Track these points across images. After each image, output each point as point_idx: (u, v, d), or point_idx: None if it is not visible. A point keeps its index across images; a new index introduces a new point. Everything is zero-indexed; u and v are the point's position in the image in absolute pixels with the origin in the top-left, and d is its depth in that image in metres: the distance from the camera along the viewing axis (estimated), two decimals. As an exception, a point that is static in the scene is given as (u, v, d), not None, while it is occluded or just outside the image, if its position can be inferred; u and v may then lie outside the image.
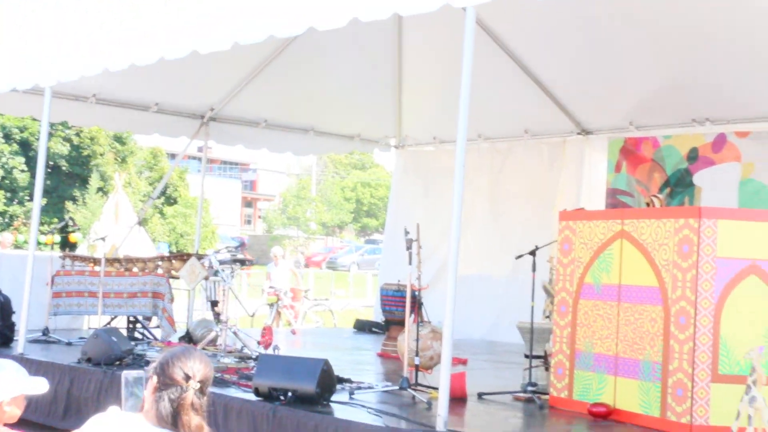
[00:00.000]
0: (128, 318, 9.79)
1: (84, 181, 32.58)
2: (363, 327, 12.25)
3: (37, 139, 30.90)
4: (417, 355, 6.86)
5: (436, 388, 6.55)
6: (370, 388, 6.88)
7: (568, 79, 10.59)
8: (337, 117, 12.21)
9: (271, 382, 6.21)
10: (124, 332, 9.34)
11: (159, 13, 7.15)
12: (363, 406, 6.13)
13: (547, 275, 9.47)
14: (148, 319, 10.03)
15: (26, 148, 32.01)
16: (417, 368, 6.85)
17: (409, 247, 6.83)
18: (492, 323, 11.42)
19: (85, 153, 33.13)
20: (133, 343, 8.56)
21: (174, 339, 9.11)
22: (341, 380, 6.80)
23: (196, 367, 3.16)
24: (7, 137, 31.77)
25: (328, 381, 6.20)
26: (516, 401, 6.70)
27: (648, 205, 7.42)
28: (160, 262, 9.70)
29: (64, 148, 32.45)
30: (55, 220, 29.23)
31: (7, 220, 31.04)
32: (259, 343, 8.55)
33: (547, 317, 8.34)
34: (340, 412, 6.00)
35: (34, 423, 7.38)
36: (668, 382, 5.76)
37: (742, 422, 5.30)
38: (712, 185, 9.98)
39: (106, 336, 7.71)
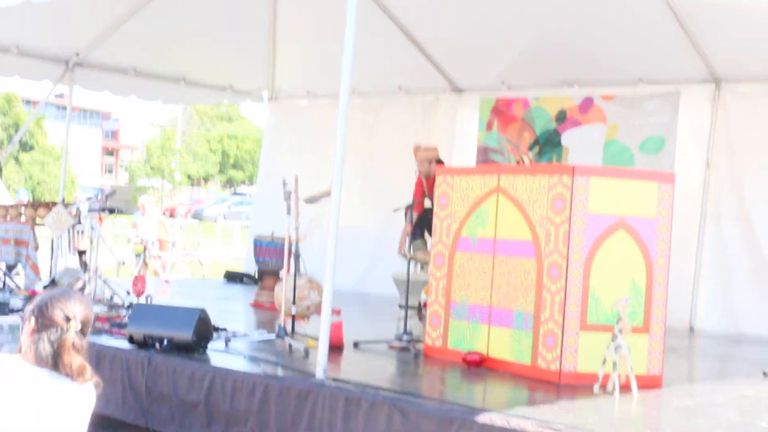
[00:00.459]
0: (-11, 265, 9.42)
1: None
2: (234, 278, 12.19)
3: None
4: (294, 304, 6.89)
5: (312, 337, 6.62)
6: (245, 336, 6.87)
7: (443, 36, 10.68)
8: (209, 67, 11.96)
9: (145, 330, 6.13)
10: (-15, 281, 9.00)
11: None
12: (240, 354, 6.13)
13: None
14: (11, 267, 9.69)
15: None
16: (293, 317, 6.88)
17: (287, 199, 6.81)
18: (362, 275, 11.55)
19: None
20: (-4, 291, 8.27)
21: (38, 287, 8.83)
22: (217, 329, 6.76)
23: (76, 309, 3.12)
24: None
25: (204, 329, 6.17)
26: (391, 350, 6.82)
27: (518, 163, 7.59)
28: (23, 210, 9.36)
29: None
30: None
31: None
32: (131, 292, 8.39)
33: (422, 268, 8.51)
34: (216, 360, 5.99)
35: None
36: (539, 331, 5.97)
37: (608, 368, 5.58)
38: (578, 145, 10.33)
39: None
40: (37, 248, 9.24)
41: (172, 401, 5.80)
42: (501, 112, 10.98)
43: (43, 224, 9.21)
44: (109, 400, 5.93)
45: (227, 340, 6.55)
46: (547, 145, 10.54)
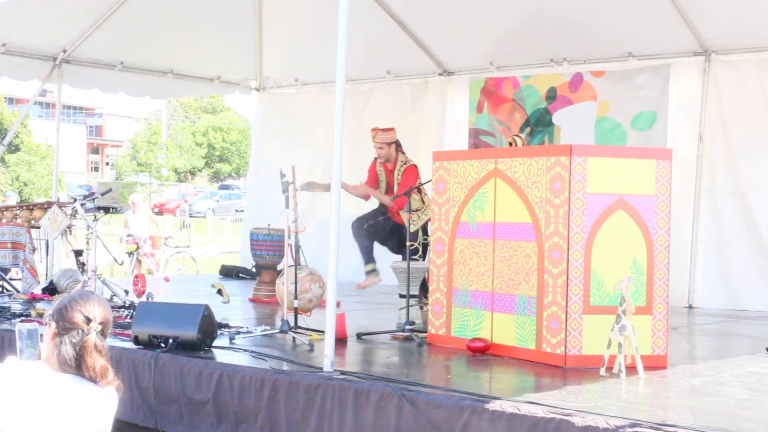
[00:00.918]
0: (-15, 270, 9.37)
1: None
2: (229, 273, 12.14)
3: None
4: (296, 298, 6.87)
5: (316, 331, 6.62)
6: (249, 332, 6.85)
7: (429, 18, 10.67)
8: (197, 59, 11.92)
9: (150, 329, 6.11)
10: (-18, 286, 8.96)
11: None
12: (245, 350, 6.12)
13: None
14: (5, 270, 9.63)
15: None
16: (296, 311, 6.87)
17: (285, 190, 6.78)
18: (358, 265, 11.47)
19: None
20: (-6, 296, 8.23)
21: (37, 290, 8.79)
22: (220, 326, 6.75)
23: (95, 310, 3.14)
24: None
25: (209, 327, 6.15)
26: (394, 340, 6.82)
27: (510, 144, 7.56)
28: (18, 212, 9.30)
29: None
30: None
31: None
32: (131, 291, 8.36)
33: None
34: (223, 357, 5.97)
35: None
36: (543, 315, 5.97)
37: (613, 350, 5.58)
38: (570, 124, 10.32)
39: (-34, 289, 7.38)
40: (34, 251, 9.18)
41: (180, 401, 5.79)
42: (491, 93, 10.95)
43: (38, 226, 9.16)
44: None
45: (231, 337, 6.54)
46: (539, 124, 10.53)
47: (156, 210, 32.64)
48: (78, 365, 3.07)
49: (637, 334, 5.60)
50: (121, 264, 11.36)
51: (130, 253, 14.57)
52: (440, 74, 11.42)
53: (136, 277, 8.61)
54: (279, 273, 7.57)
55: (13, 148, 34.90)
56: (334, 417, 5.18)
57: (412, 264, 7.11)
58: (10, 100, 40.87)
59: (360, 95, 11.99)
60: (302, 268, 7.25)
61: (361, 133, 11.81)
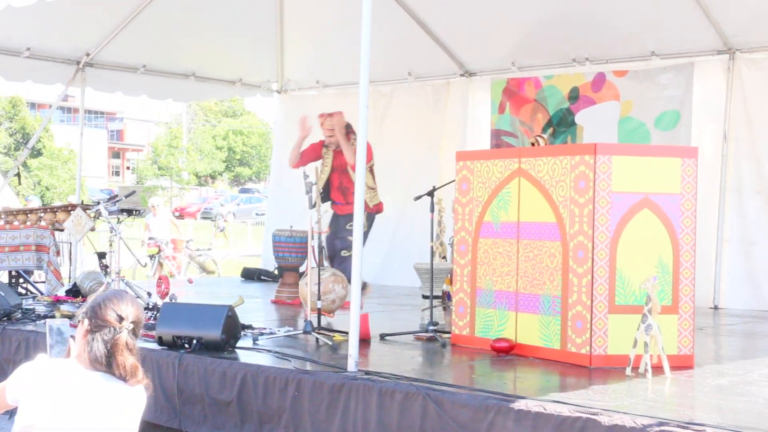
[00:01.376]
0: (10, 273, 9.42)
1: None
2: (251, 275, 12.14)
3: None
4: (319, 299, 6.86)
5: (340, 332, 6.61)
6: (272, 333, 6.85)
7: (451, 19, 10.65)
8: (218, 61, 11.98)
9: (174, 330, 6.12)
10: (6, 288, 8.99)
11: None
12: (269, 351, 6.11)
13: (436, 217, 9.60)
14: (29, 273, 9.69)
15: None
16: (319, 312, 6.86)
17: (308, 191, 6.77)
18: (381, 267, 11.50)
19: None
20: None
21: (61, 292, 8.83)
22: (243, 327, 6.74)
23: (128, 309, 3.20)
24: None
25: (233, 327, 6.15)
26: (418, 341, 6.79)
27: (533, 145, 7.56)
28: (42, 214, 9.35)
29: None
30: None
31: None
32: (155, 293, 8.38)
33: (443, 258, 8.47)
34: (246, 357, 5.97)
35: None
36: (568, 315, 5.93)
37: (639, 349, 5.53)
38: (593, 124, 10.27)
39: (-8, 290, 7.43)
40: (58, 253, 9.23)
41: (204, 401, 5.79)
42: (513, 93, 10.91)
43: (62, 228, 9.21)
44: (141, 403, 5.91)
45: (255, 338, 6.53)
46: (561, 125, 10.48)
47: (177, 214, 32.76)
48: (109, 363, 3.12)
49: (663, 333, 5.56)
50: (144, 266, 11.39)
51: (152, 256, 14.62)
52: (462, 75, 11.40)
53: (159, 278, 8.64)
54: (302, 274, 7.55)
55: (36, 153, 35.15)
56: (358, 417, 5.16)
57: (436, 264, 7.08)
58: (32, 105, 41.13)
59: (381, 97, 11.98)
60: (325, 268, 7.24)
61: (384, 135, 11.84)
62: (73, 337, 3.22)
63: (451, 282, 7.31)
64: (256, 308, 8.97)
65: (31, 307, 8.01)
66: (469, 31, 10.65)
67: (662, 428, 4.19)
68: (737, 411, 4.62)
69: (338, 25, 10.62)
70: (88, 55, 10.93)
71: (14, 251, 9.11)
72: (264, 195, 36.65)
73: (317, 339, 6.54)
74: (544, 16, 9.84)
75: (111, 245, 8.49)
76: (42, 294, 9.09)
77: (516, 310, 6.30)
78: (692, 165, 5.98)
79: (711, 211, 9.38)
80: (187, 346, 6.05)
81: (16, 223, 9.37)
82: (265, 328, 7.05)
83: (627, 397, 4.94)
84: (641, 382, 5.34)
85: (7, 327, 7.14)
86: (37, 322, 7.24)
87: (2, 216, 9.47)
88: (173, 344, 6.12)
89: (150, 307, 7.81)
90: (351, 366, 5.39)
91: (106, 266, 8.79)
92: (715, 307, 9.37)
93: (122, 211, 8.85)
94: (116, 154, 60.60)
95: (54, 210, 9.40)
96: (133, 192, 8.75)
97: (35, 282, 9.82)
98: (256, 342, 6.44)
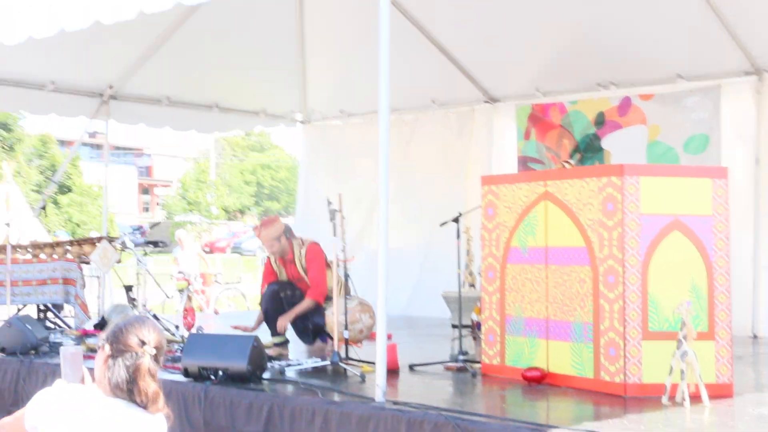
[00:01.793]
0: (38, 307, 9.42)
1: (-30, 172, 31.36)
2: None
3: None
4: (346, 328, 6.77)
5: (367, 362, 6.50)
6: (299, 364, 6.75)
7: (473, 46, 10.58)
8: (242, 92, 11.97)
9: (200, 361, 6.05)
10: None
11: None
12: (296, 382, 6.02)
13: (464, 246, 9.49)
14: (57, 307, 9.67)
15: None
16: (347, 342, 6.76)
17: (332, 218, 6.70)
18: (409, 298, 11.39)
19: (-31, 142, 31.96)
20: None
21: (89, 326, 8.80)
22: (270, 358, 6.66)
23: (150, 335, 3.14)
24: None
25: (258, 358, 6.07)
26: (447, 371, 6.67)
27: (560, 170, 7.46)
28: (69, 247, 9.35)
29: (-55, 139, 31.27)
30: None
31: None
32: (181, 325, 8.32)
33: (471, 286, 8.36)
34: (273, 388, 5.88)
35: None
36: (600, 342, 5.80)
37: (675, 377, 5.38)
38: (620, 149, 10.12)
39: (20, 324, 7.42)
40: (84, 286, 9.22)
41: (230, 434, 5.70)
42: (538, 119, 10.82)
43: (89, 261, 9.19)
44: (166, 436, 5.83)
45: (281, 369, 6.44)
46: (588, 150, 10.36)
47: (206, 249, 32.83)
48: (130, 389, 3.07)
49: (700, 360, 5.40)
50: (170, 298, 11.34)
51: (181, 290, 14.57)
52: (486, 102, 11.32)
53: (185, 310, 8.58)
54: (328, 303, 7.46)
55: (65, 190, 35.41)
56: (387, 448, 5.05)
57: (464, 292, 6.97)
58: (62, 143, 41.51)
59: (405, 125, 11.92)
60: (352, 298, 7.15)
61: (409, 164, 11.78)
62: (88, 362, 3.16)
63: (480, 311, 7.20)
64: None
65: (59, 340, 7.98)
66: (493, 57, 10.58)
67: (701, 457, 4.05)
68: (778, 439, 4.46)
69: (361, 54, 10.57)
70: (111, 87, 10.96)
71: (41, 284, 9.11)
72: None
73: (345, 370, 6.44)
74: (567, 40, 9.76)
75: (138, 278, 8.46)
76: (70, 327, 9.06)
77: (547, 338, 6.17)
78: (723, 186, 5.86)
79: (746, 237, 9.15)
80: (212, 377, 5.97)
81: (43, 256, 9.39)
82: (291, 360, 6.95)
83: (664, 426, 4.81)
84: (679, 412, 5.19)
85: (34, 360, 7.12)
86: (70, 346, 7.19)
87: (29, 249, 9.49)
88: (199, 375, 6.04)
89: (177, 339, 7.76)
90: (378, 396, 5.29)
91: (134, 299, 8.74)
92: (754, 336, 9.11)
93: (148, 243, 8.82)
94: (145, 190, 61.01)
95: (80, 243, 9.39)
96: (158, 223, 8.74)
97: (65, 317, 9.80)
98: (283, 373, 6.35)
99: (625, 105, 10.19)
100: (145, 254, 8.79)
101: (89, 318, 9.10)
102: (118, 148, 54.74)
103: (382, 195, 5.49)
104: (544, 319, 6.19)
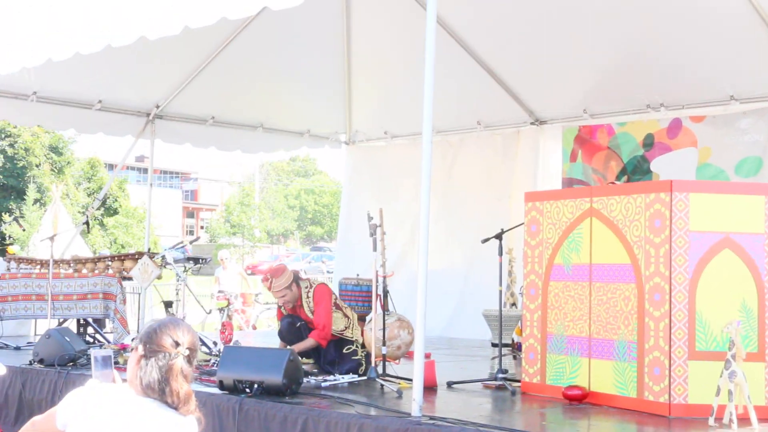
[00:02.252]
0: (78, 321, 9.43)
1: (20, 194, 31.76)
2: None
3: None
4: (384, 344, 6.65)
5: (405, 379, 6.38)
6: (335, 380, 6.65)
7: (520, 67, 10.47)
8: (286, 113, 11.96)
9: (235, 374, 5.98)
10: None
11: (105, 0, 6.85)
12: (332, 396, 5.92)
13: (506, 267, 9.34)
14: (99, 322, 9.67)
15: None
16: (384, 358, 6.65)
17: (373, 233, 6.61)
18: (450, 319, 11.25)
19: (20, 164, 32.32)
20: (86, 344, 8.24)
21: (127, 341, 8.77)
22: (307, 373, 6.57)
23: (184, 336, 3.12)
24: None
25: (294, 372, 5.98)
26: (486, 389, 6.53)
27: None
28: (110, 262, 9.35)
29: (-3, 160, 31.71)
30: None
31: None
32: (219, 341, 8.27)
33: (513, 305, 8.22)
34: (308, 402, 5.77)
35: (-16, 429, 7.07)
36: (644, 362, 5.63)
37: (722, 399, 5.19)
38: (669, 171, 9.91)
39: (58, 336, 7.41)
40: (124, 301, 9.21)
41: (264, 447, 5.60)
42: (585, 141, 10.67)
43: (130, 277, 9.19)
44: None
45: (318, 384, 6.34)
46: (636, 173, 10.18)
47: (249, 271, 32.93)
48: (162, 389, 3.04)
49: (749, 382, 5.21)
50: (209, 313, 11.30)
51: (221, 309, 14.57)
52: (532, 123, 11.19)
53: (223, 324, 8.53)
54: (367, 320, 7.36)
55: (112, 212, 35.76)
56: (423, 464, 4.92)
57: (505, 312, 6.84)
58: (110, 166, 42.01)
59: (450, 147, 11.84)
60: (391, 314, 7.04)
61: (452, 185, 11.69)
62: (118, 364, 3.12)
63: (521, 332, 7.05)
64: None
65: (96, 353, 7.95)
66: (540, 78, 10.46)
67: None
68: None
69: (405, 75, 10.53)
70: (157, 107, 11.01)
71: (82, 299, 9.12)
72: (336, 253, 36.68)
73: (382, 386, 6.32)
74: (616, 61, 9.60)
75: (177, 293, 8.43)
76: (109, 342, 9.05)
77: (589, 357, 6.01)
78: (776, 203, 5.67)
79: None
80: (248, 390, 5.89)
81: (84, 271, 9.41)
82: (328, 376, 6.85)
83: (710, 447, 4.62)
84: (726, 433, 5.01)
85: (71, 372, 7.09)
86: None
87: (71, 264, 9.51)
88: (234, 388, 5.97)
89: (215, 354, 7.69)
90: (415, 411, 5.17)
91: (173, 315, 8.71)
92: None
93: (189, 259, 8.79)
94: (190, 214, 61.50)
95: (122, 258, 9.40)
96: (198, 237, 8.68)
97: (106, 332, 9.80)
98: (319, 387, 6.25)
99: (675, 127, 10.01)
100: (186, 270, 8.74)
101: (128, 333, 9.08)
102: (164, 171, 55.34)
103: (423, 214, 5.40)
104: (587, 337, 6.03)
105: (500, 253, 6.83)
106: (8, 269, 9.57)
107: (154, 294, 10.84)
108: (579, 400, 5.91)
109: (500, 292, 6.82)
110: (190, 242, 8.57)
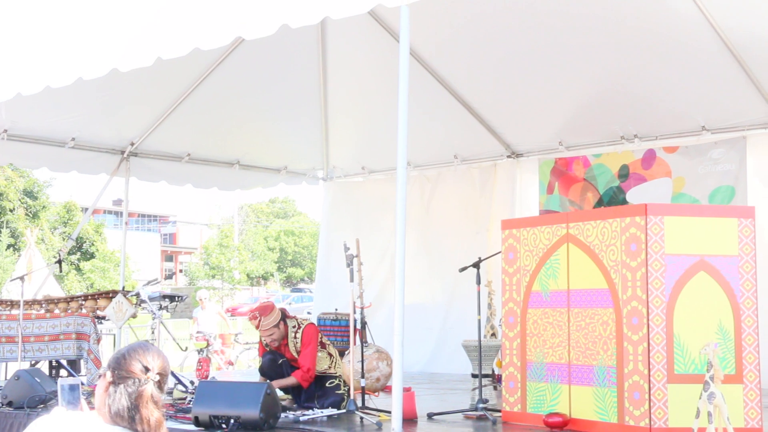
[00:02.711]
0: (50, 363, 9.27)
1: (-7, 238, 31.60)
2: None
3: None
4: (363, 376, 6.58)
5: (384, 411, 6.31)
6: (314, 414, 6.56)
7: (496, 101, 10.52)
8: (263, 149, 11.93)
9: (211, 409, 5.88)
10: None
11: (76, 33, 6.80)
12: (311, 430, 5.83)
13: (485, 299, 9.31)
14: (72, 363, 9.52)
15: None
16: (363, 391, 6.57)
17: (350, 263, 6.57)
18: (431, 354, 11.19)
19: (-7, 208, 32.23)
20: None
21: (102, 381, 8.63)
22: (285, 408, 6.48)
23: (154, 361, 3.03)
24: None
25: (272, 406, 5.90)
26: (467, 420, 6.47)
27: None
28: (83, 302, 9.24)
29: (-31, 204, 31.54)
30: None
31: None
32: (196, 378, 8.16)
33: (493, 335, 8.17)
34: (286, 436, 5.70)
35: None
36: (624, 386, 5.60)
37: (702, 421, 5.16)
38: (645, 202, 9.94)
39: (28, 377, 7.25)
40: (98, 341, 9.08)
41: (241, 482, 5.50)
42: (561, 173, 10.71)
43: (104, 316, 9.08)
44: (175, 485, 5.65)
45: (296, 418, 6.26)
46: (612, 203, 10.21)
47: (228, 314, 32.71)
48: (131, 417, 2.95)
49: (728, 404, 5.18)
50: (185, 350, 11.15)
51: (200, 350, 14.40)
52: (509, 156, 11.22)
53: (199, 361, 8.43)
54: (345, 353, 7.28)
55: (89, 256, 35.54)
56: (402, 495, 4.84)
57: (485, 341, 6.79)
58: (86, 210, 41.87)
59: (427, 181, 11.86)
60: (369, 345, 6.98)
61: (431, 219, 11.68)
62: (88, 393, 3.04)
63: (501, 364, 7.00)
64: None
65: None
66: (515, 112, 10.51)
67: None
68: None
69: (383, 110, 10.54)
70: (132, 144, 10.93)
71: (54, 340, 8.97)
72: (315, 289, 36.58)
73: (361, 418, 6.25)
74: (590, 94, 9.67)
75: (153, 332, 8.32)
76: (83, 384, 8.91)
77: (569, 383, 5.97)
78: (749, 225, 5.71)
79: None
80: (224, 426, 5.80)
81: (57, 311, 9.27)
82: (307, 410, 6.76)
83: (692, 469, 4.57)
84: (707, 456, 4.96)
85: (42, 413, 6.93)
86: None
87: (43, 304, 9.38)
88: (210, 424, 5.87)
89: (190, 392, 7.58)
90: (394, 442, 5.10)
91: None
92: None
93: (164, 297, 8.70)
94: (169, 258, 61.15)
95: (95, 297, 9.29)
96: (172, 273, 8.60)
97: (81, 375, 9.64)
98: (298, 422, 6.16)
99: (650, 158, 10.07)
100: (161, 308, 8.65)
101: (103, 373, 8.92)
102: (142, 215, 55.09)
103: (399, 247, 5.34)
104: (566, 363, 5.99)
105: (478, 282, 6.80)
106: (-23, 312, 9.42)
107: (130, 335, 10.70)
108: (560, 428, 5.86)
109: (479, 321, 6.78)
110: (146, 284, 8.43)
